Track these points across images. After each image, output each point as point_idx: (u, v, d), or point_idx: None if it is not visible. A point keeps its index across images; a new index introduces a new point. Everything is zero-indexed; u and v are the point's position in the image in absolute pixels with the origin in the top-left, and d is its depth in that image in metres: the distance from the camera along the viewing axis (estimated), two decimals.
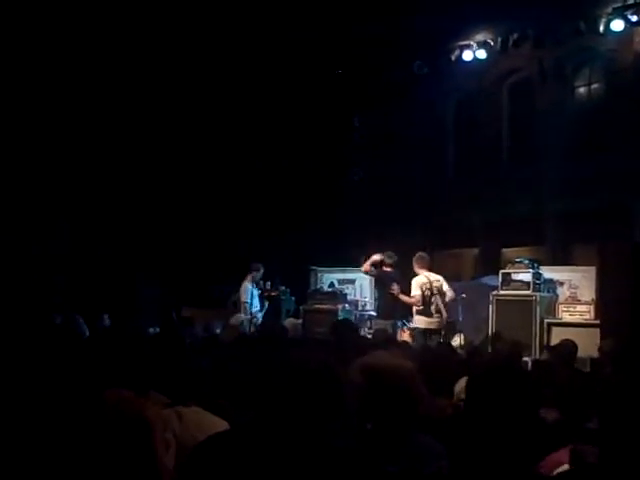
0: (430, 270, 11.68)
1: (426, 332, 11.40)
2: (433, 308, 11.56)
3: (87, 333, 9.13)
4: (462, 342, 12.38)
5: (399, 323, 13.15)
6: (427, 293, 11.60)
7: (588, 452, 3.02)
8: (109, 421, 2.81)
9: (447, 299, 11.52)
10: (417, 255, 11.72)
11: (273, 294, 13.90)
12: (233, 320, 13.26)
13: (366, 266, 12.22)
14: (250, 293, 13.37)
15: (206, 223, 15.52)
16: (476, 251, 14.93)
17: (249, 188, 15.72)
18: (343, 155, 15.90)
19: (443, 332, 11.49)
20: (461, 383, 5.69)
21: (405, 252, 13.95)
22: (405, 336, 12.56)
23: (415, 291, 11.45)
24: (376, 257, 12.18)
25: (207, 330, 11.84)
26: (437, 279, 11.68)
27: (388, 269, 12.12)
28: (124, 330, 8.77)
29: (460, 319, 12.39)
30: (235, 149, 15.73)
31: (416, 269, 11.67)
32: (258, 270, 13.35)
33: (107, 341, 6.77)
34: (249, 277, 13.45)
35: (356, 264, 14.97)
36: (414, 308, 11.68)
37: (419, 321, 11.68)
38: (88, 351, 5.62)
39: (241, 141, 15.83)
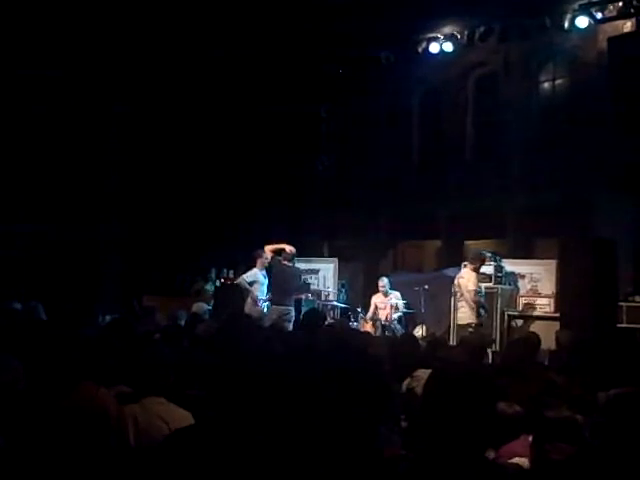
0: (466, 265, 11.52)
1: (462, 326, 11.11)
2: (460, 304, 11.36)
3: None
4: (424, 333, 12.50)
5: (361, 315, 13.20)
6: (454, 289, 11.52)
7: (555, 449, 3.06)
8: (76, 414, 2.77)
9: (469, 295, 11.21)
10: None
11: (235, 282, 13.54)
12: (195, 308, 13.10)
13: (268, 249, 12.04)
14: (260, 280, 12.63)
15: (168, 211, 15.33)
16: (439, 243, 14.98)
17: (213, 177, 15.54)
18: (309, 145, 15.84)
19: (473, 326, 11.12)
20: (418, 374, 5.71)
21: (369, 243, 14.03)
22: (368, 327, 12.62)
23: None
24: (283, 246, 11.97)
25: (172, 319, 11.66)
26: (461, 275, 11.44)
27: (285, 262, 11.93)
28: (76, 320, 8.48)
29: (422, 310, 12.61)
30: (200, 138, 15.56)
31: None
32: (261, 256, 12.51)
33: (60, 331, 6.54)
34: (259, 263, 12.60)
35: (320, 254, 15.29)
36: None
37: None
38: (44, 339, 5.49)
39: (205, 129, 15.64)
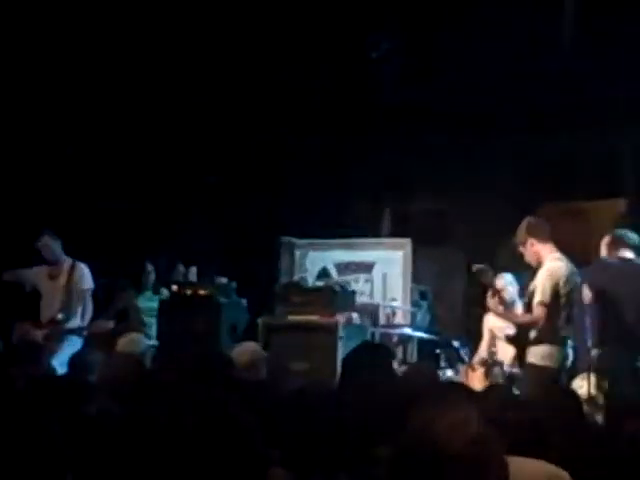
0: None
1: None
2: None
3: None
4: (593, 389, 6.64)
5: (462, 353, 8.37)
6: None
7: None
8: None
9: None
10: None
11: (203, 293, 8.05)
12: (124, 346, 7.17)
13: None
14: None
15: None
16: (621, 204, 8.15)
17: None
18: None
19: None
20: None
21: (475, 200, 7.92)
22: (475, 378, 7.66)
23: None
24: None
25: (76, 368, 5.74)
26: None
27: None
28: None
29: (588, 342, 6.74)
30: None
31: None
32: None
33: None
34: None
35: (375, 230, 9.51)
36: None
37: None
38: None
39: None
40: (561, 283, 6.08)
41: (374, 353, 5.13)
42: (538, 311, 6.02)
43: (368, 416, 3.70)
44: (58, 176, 9.25)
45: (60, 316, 7.27)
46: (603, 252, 6.46)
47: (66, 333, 7.41)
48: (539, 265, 6.23)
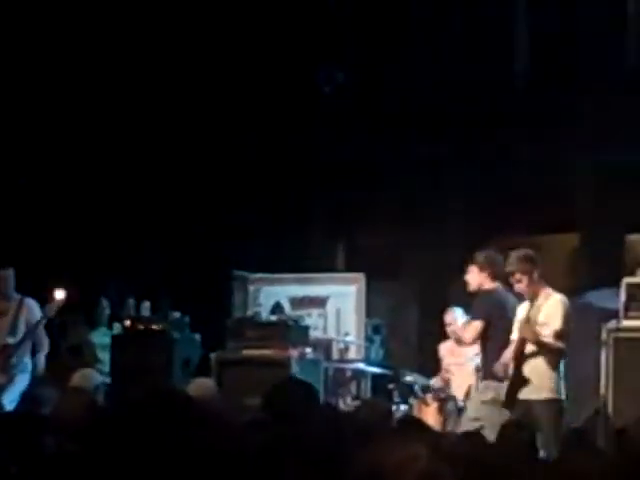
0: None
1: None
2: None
3: None
4: None
5: (415, 387, 7.87)
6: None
7: None
8: None
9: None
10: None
11: (156, 327, 7.89)
12: (79, 381, 7.00)
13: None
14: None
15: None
16: (575, 238, 8.23)
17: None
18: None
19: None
20: None
21: (430, 240, 7.82)
22: (429, 413, 7.50)
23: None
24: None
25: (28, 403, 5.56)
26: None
27: None
28: None
29: None
30: None
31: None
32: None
33: None
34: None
35: (330, 266, 9.46)
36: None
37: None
38: None
39: None
40: (569, 314, 6.07)
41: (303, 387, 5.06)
42: (562, 340, 5.91)
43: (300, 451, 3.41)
44: (10, 209, 8.98)
45: (10, 340, 6.96)
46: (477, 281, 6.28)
47: (16, 348, 7.12)
48: (533, 297, 6.08)
